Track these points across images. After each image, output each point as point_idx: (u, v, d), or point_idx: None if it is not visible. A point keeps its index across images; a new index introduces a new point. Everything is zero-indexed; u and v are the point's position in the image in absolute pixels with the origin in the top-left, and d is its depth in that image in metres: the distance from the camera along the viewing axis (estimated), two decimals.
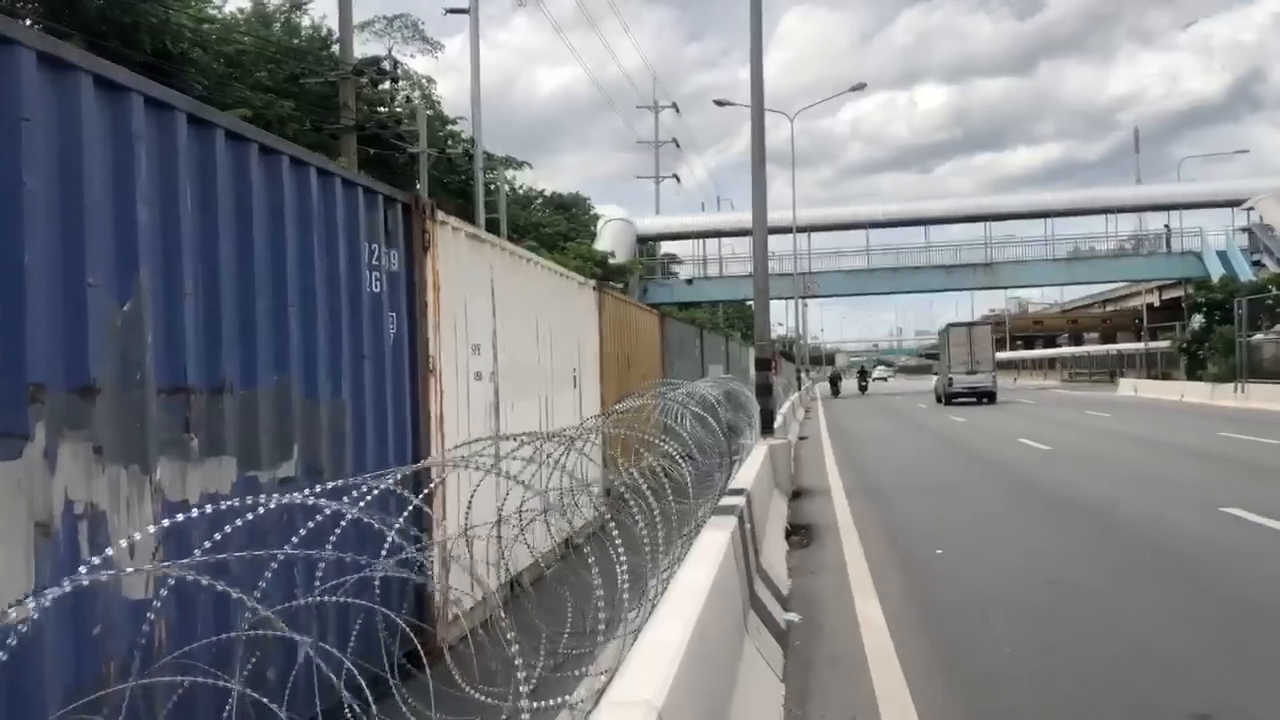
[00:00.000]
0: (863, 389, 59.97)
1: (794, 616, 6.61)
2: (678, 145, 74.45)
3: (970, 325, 45.19)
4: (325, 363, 5.06)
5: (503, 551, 5.78)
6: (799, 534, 10.32)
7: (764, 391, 13.33)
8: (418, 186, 34.76)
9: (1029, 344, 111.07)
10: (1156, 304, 73.38)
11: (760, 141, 13.31)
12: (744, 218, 64.58)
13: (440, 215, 6.60)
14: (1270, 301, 31.85)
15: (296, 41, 35.75)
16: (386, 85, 45.98)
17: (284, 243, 4.74)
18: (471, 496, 5.23)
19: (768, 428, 13.16)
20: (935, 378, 47.76)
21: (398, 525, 3.55)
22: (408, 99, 44.83)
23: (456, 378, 6.76)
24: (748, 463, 9.80)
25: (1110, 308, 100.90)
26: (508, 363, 7.93)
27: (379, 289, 5.70)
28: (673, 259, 68.17)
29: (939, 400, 40.68)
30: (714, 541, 4.82)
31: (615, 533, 3.93)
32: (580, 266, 37.32)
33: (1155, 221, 56.34)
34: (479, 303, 7.36)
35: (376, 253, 5.69)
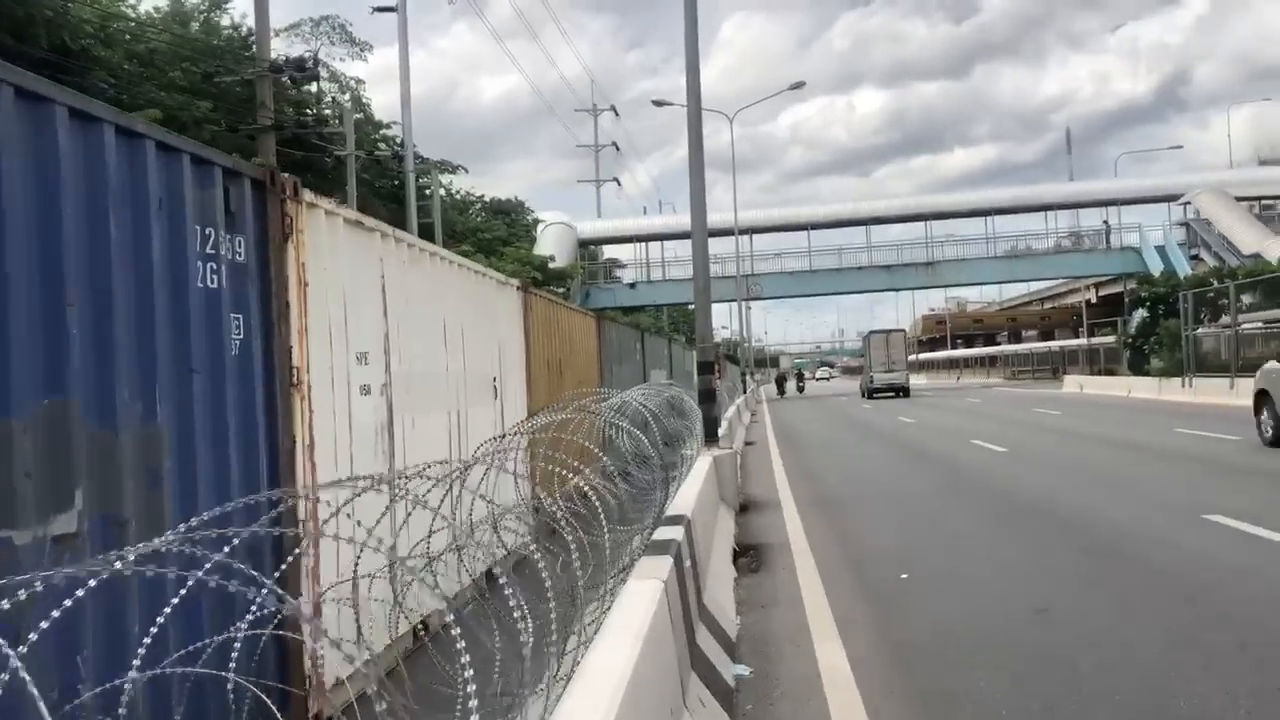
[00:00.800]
0: (800, 389, 66.02)
1: (744, 670, 5.54)
2: (618, 149, 73.56)
3: (888, 332, 51.89)
4: (130, 379, 3.88)
5: (398, 597, 4.66)
6: (748, 555, 9.29)
7: (707, 398, 12.30)
8: (346, 190, 33.39)
9: (969, 342, 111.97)
10: (1094, 300, 74.08)
11: (697, 128, 12.30)
12: (686, 220, 63.40)
13: (309, 196, 5.43)
14: (1212, 295, 31.64)
15: (216, 42, 34.10)
16: (313, 88, 44.47)
17: (60, 221, 3.56)
18: (365, 540, 4.09)
19: (712, 436, 12.13)
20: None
21: (263, 587, 2.41)
22: (334, 100, 43.35)
23: (334, 393, 5.59)
24: (690, 479, 8.75)
25: (1048, 305, 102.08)
26: (405, 373, 6.78)
27: (216, 284, 4.52)
28: (615, 264, 67.13)
29: (863, 395, 47.86)
30: (640, 601, 3.74)
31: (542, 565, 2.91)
32: (518, 271, 36.07)
33: (1091, 219, 56.65)
34: (365, 303, 6.19)
35: (213, 239, 4.52)
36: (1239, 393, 25.38)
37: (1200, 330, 29.85)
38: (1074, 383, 41.92)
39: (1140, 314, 46.58)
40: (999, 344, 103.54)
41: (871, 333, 52.83)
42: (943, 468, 15.75)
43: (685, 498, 7.13)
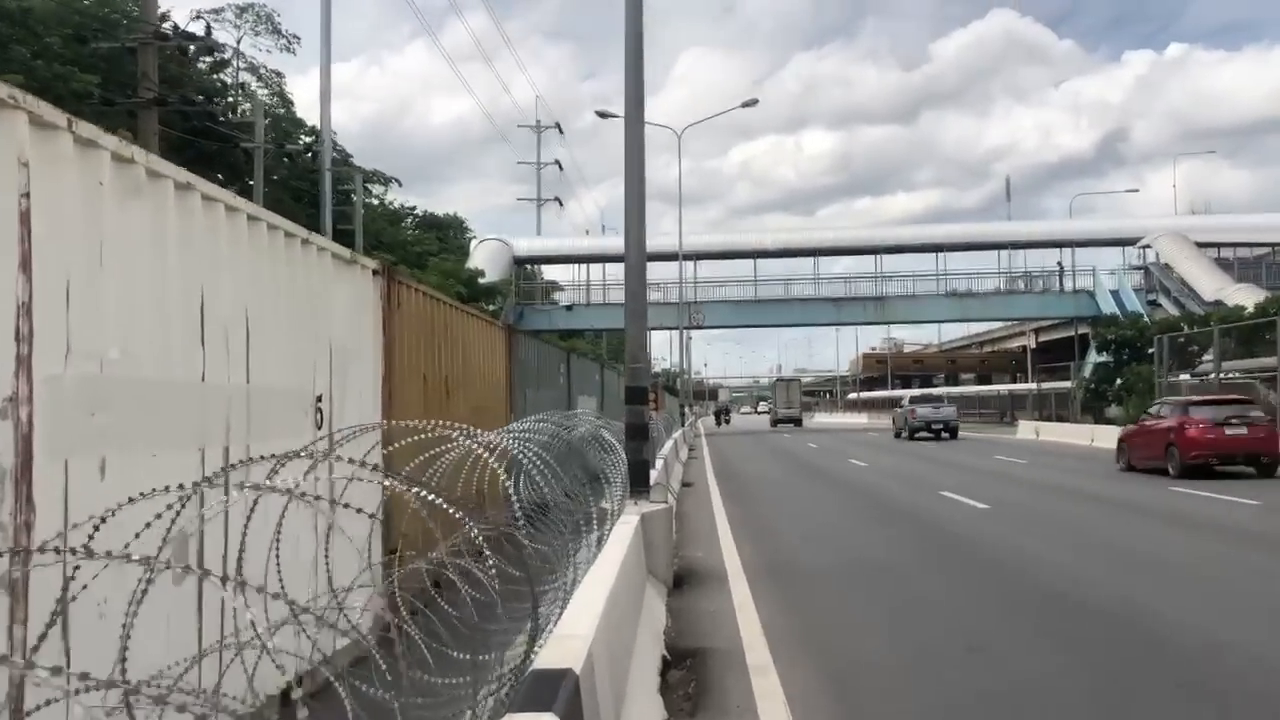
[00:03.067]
0: (727, 422, 78.45)
1: None
2: (560, 167, 70.76)
3: (789, 380, 76.80)
4: None
5: None
6: (684, 668, 6.39)
7: (637, 434, 9.37)
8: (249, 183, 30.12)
9: (906, 383, 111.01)
10: (1033, 346, 72.83)
11: (636, 81, 9.47)
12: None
13: None
14: (1182, 341, 29.68)
15: (106, 11, 30.61)
16: (227, 78, 40.96)
17: None
18: None
19: (640, 485, 9.20)
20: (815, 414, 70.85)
21: None
22: (243, 87, 39.88)
23: None
24: (602, 560, 5.86)
25: (988, 349, 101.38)
26: (85, 379, 3.77)
27: None
28: (554, 286, 64.11)
29: (772, 425, 65.35)
30: None
31: None
32: (441, 284, 33.00)
33: (1040, 261, 55.11)
34: None
35: None
36: None
37: (1182, 377, 27.70)
38: (1028, 428, 39.75)
39: (1094, 358, 44.90)
40: (935, 386, 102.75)
41: (778, 380, 78.70)
42: (921, 527, 12.99)
43: (584, 612, 4.21)
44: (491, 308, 39.07)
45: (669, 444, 21.64)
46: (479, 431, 6.17)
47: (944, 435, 38.73)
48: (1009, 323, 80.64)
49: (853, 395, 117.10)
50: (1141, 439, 20.91)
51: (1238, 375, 26.41)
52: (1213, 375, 25.30)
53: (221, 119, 35.33)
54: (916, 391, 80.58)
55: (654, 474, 11.75)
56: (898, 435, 41.09)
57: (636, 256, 9.43)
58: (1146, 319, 33.64)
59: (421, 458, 5.24)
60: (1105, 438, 31.22)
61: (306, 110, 46.90)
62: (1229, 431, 18.92)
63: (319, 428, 6.32)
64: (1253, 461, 19.03)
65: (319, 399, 6.34)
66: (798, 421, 65.35)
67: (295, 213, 34.96)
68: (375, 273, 7.51)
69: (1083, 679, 5.84)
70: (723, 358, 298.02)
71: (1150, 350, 31.06)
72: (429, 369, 9.07)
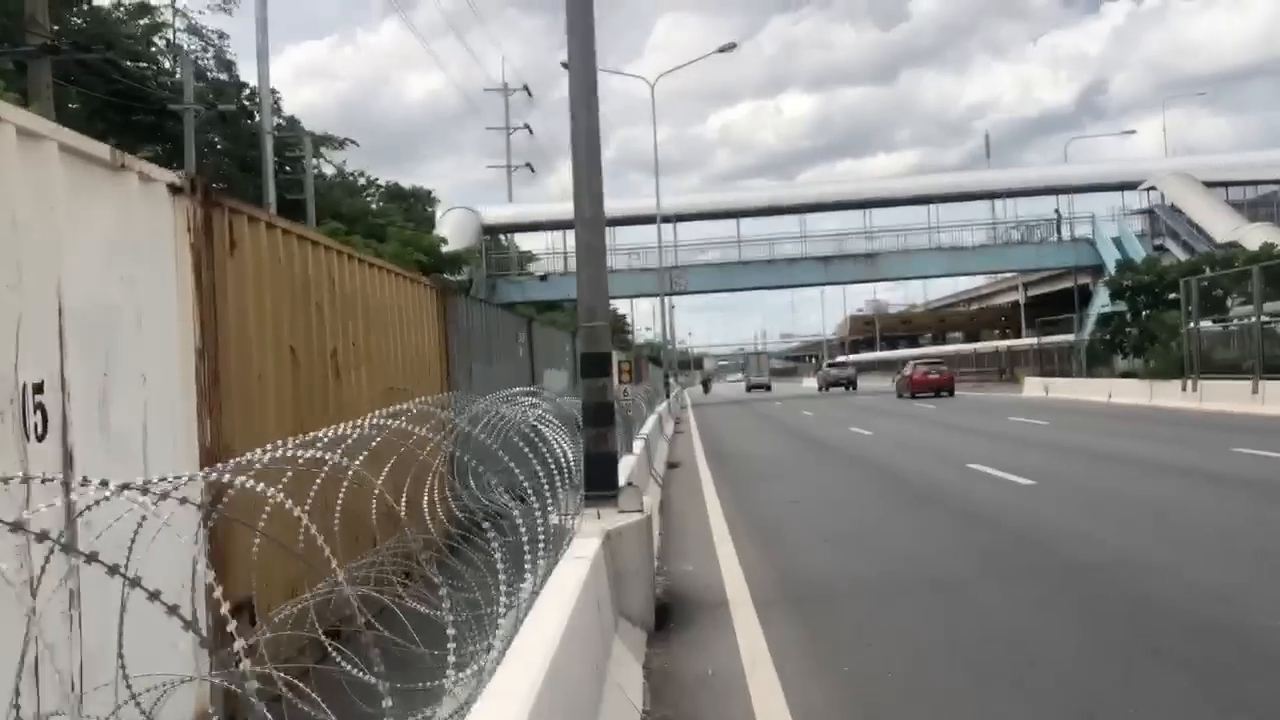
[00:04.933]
0: (706, 391, 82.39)
1: None
2: (530, 130, 67.76)
3: (758, 354, 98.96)
4: None
5: None
6: None
7: (599, 417, 6.76)
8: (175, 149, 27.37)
9: (893, 344, 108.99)
10: (1023, 301, 70.46)
11: None
12: (605, 207, 58.04)
13: None
14: (1206, 284, 27.23)
15: None
16: (163, 43, 37.79)
17: None
18: None
19: (603, 487, 6.62)
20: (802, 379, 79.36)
21: None
22: (170, 43, 36.76)
23: None
24: (529, 638, 3.33)
25: (975, 306, 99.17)
26: None
27: None
28: (530, 256, 61.22)
29: (747, 390, 75.97)
30: None
31: None
32: (399, 253, 30.18)
33: (1031, 211, 52.48)
34: None
35: None
36: (1268, 400, 20.81)
37: (1215, 321, 25.23)
38: (1036, 385, 37.38)
39: (1100, 307, 42.47)
40: (921, 346, 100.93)
41: (750, 355, 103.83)
42: (962, 516, 10.48)
43: None
44: (458, 278, 36.27)
45: (652, 420, 19.10)
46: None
47: (850, 389, 58.60)
48: (998, 278, 78.38)
49: (841, 359, 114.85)
50: (903, 381, 42.53)
51: (1267, 319, 23.96)
52: (1253, 318, 22.85)
53: (155, 83, 32.36)
54: (916, 351, 79.83)
55: (627, 466, 9.20)
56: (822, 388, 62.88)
57: (588, 167, 6.78)
58: (1162, 264, 31.23)
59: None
60: (1125, 392, 28.88)
61: (298, 109, 43.66)
62: (931, 375, 41.43)
63: (39, 437, 3.72)
64: (946, 388, 40.32)
65: (37, 389, 3.74)
66: (767, 387, 76.86)
67: (242, 183, 32.03)
68: (175, 190, 4.86)
69: None
70: (707, 325, 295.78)
71: (1171, 296, 28.63)
72: (302, 340, 6.45)
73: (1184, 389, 24.94)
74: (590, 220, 6.85)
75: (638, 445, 12.31)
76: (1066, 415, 24.73)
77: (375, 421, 3.92)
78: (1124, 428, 20.45)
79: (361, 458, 3.49)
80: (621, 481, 7.07)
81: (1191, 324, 25.18)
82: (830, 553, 8.93)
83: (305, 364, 6.48)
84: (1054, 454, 15.99)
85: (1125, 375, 31.95)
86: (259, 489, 2.38)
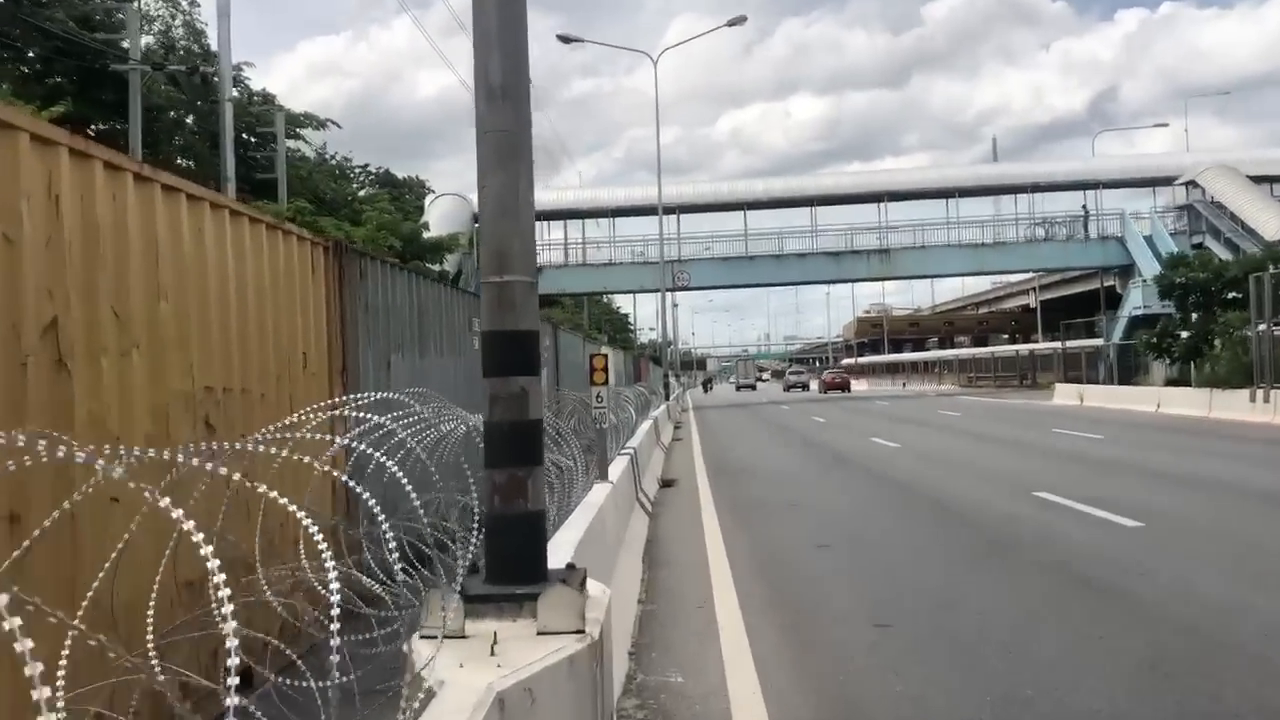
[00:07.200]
0: (707, 390, 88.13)
1: None
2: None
3: (745, 360, 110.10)
4: None
5: None
6: None
7: (514, 450, 3.71)
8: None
9: (898, 347, 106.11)
10: (1032, 305, 67.39)
11: None
12: (602, 194, 55.19)
13: None
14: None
15: None
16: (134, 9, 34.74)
17: None
18: None
19: (514, 574, 3.55)
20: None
21: None
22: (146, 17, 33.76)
23: None
24: None
25: (983, 309, 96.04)
26: None
27: None
28: None
29: (736, 389, 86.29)
30: None
31: None
32: (373, 237, 27.03)
33: (1053, 209, 49.26)
34: None
35: None
36: None
37: None
38: (1069, 392, 34.22)
39: (1134, 310, 39.39)
40: (928, 350, 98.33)
41: (739, 360, 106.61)
42: (1067, 580, 7.37)
43: None
44: (438, 268, 33.18)
45: (645, 426, 16.03)
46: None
47: (804, 390, 70.63)
48: (1007, 281, 75.40)
49: (847, 361, 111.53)
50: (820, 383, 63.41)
51: None
52: None
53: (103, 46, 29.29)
54: (920, 356, 77.36)
55: (587, 512, 6.12)
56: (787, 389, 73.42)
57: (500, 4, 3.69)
58: (1217, 261, 28.17)
59: None
60: (1177, 402, 25.76)
61: (298, 105, 40.69)
62: (836, 379, 65.41)
63: None
64: (843, 388, 62.73)
65: None
66: (753, 386, 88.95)
67: (210, 160, 28.83)
68: None
69: None
70: (711, 325, 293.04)
71: (1229, 295, 25.54)
72: None
73: (1252, 400, 21.82)
74: (503, 91, 3.78)
75: (616, 468, 9.21)
76: (1119, 428, 21.61)
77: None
78: (1201, 444, 17.37)
79: None
80: (561, 559, 4.02)
81: (1262, 325, 22.06)
82: (894, 654, 5.83)
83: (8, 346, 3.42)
84: (1140, 479, 12.89)
85: (1171, 383, 28.86)
86: None
